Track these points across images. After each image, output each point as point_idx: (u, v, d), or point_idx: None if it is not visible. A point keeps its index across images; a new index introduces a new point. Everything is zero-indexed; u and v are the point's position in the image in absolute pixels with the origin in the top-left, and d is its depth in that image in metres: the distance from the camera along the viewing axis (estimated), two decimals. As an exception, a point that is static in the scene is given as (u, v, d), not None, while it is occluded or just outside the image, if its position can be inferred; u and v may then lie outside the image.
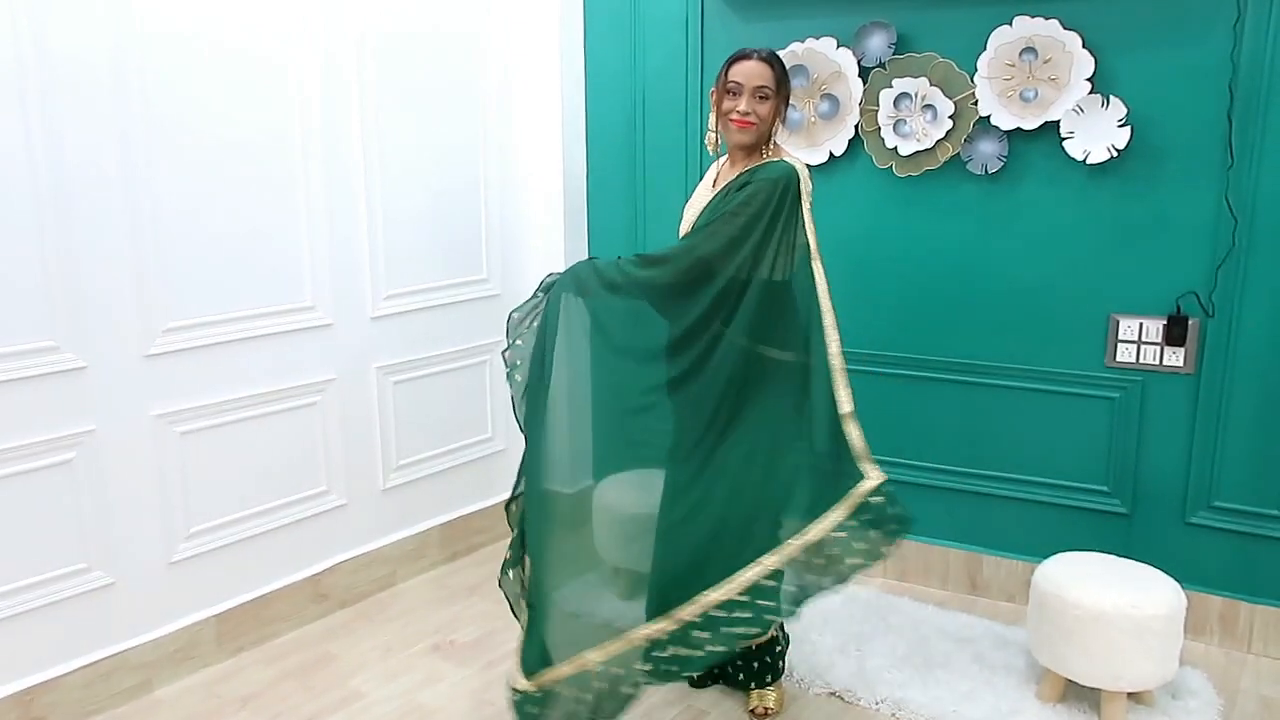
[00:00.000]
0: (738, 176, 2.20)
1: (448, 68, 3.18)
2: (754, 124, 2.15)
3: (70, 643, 2.42)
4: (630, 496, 3.04)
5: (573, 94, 3.45)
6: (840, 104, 3.03)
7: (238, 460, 2.72)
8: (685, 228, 2.31)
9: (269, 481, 2.81)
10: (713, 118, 2.24)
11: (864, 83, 2.98)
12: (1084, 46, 2.68)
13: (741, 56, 2.18)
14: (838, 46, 2.99)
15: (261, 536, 2.81)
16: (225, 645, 2.74)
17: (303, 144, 2.77)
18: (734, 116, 2.15)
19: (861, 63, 2.97)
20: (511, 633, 2.89)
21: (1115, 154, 2.67)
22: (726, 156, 2.30)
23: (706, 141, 2.30)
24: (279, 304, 2.76)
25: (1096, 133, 2.69)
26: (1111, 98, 2.66)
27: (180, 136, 2.48)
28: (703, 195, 2.32)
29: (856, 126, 3.03)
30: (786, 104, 2.23)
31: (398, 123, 3.02)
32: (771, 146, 2.24)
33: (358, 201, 2.94)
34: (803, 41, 3.03)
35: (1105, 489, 2.89)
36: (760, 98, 2.14)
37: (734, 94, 2.15)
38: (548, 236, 3.51)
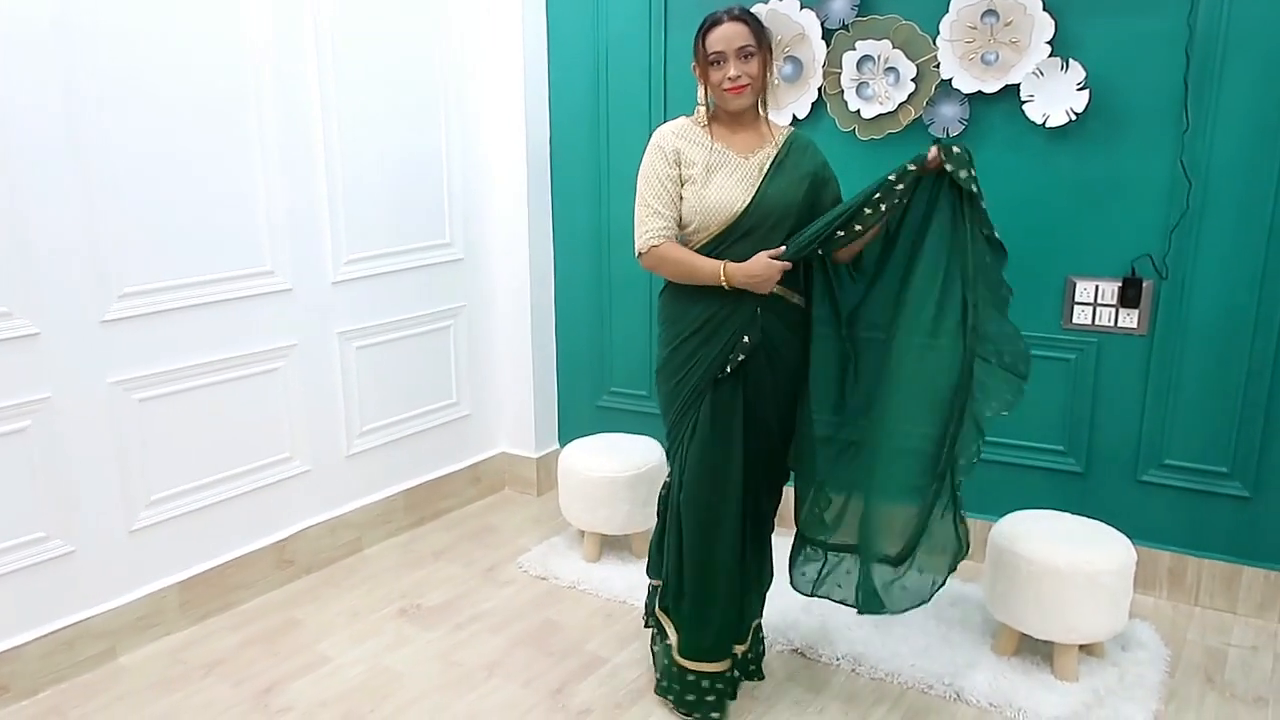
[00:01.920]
0: (789, 139, 2.21)
1: (408, 31, 3.13)
2: (748, 85, 2.12)
3: (31, 612, 2.40)
4: (598, 461, 3.07)
5: (535, 56, 3.41)
6: (803, 66, 3.02)
7: (198, 427, 2.70)
8: (729, 196, 2.14)
9: (231, 448, 2.79)
10: (701, 91, 2.19)
11: (827, 45, 2.98)
12: (1044, 9, 2.68)
13: (713, 23, 2.12)
14: (801, 8, 2.98)
15: (224, 503, 2.80)
16: (189, 612, 2.73)
17: (259, 108, 2.72)
18: (726, 85, 2.11)
19: (825, 24, 2.96)
20: (476, 597, 2.93)
21: (1074, 117, 2.70)
22: (710, 120, 2.21)
23: (696, 118, 2.22)
24: (238, 269, 2.73)
25: (1056, 96, 2.71)
26: (1071, 61, 2.68)
27: (133, 101, 2.42)
28: (736, 163, 2.17)
29: (820, 89, 3.02)
30: (772, 54, 2.20)
31: (358, 86, 2.98)
32: (770, 101, 2.24)
33: (317, 166, 2.89)
34: (766, 3, 3.01)
35: (1061, 448, 2.95)
36: (745, 57, 2.11)
37: (718, 63, 2.11)
38: (512, 201, 3.49)
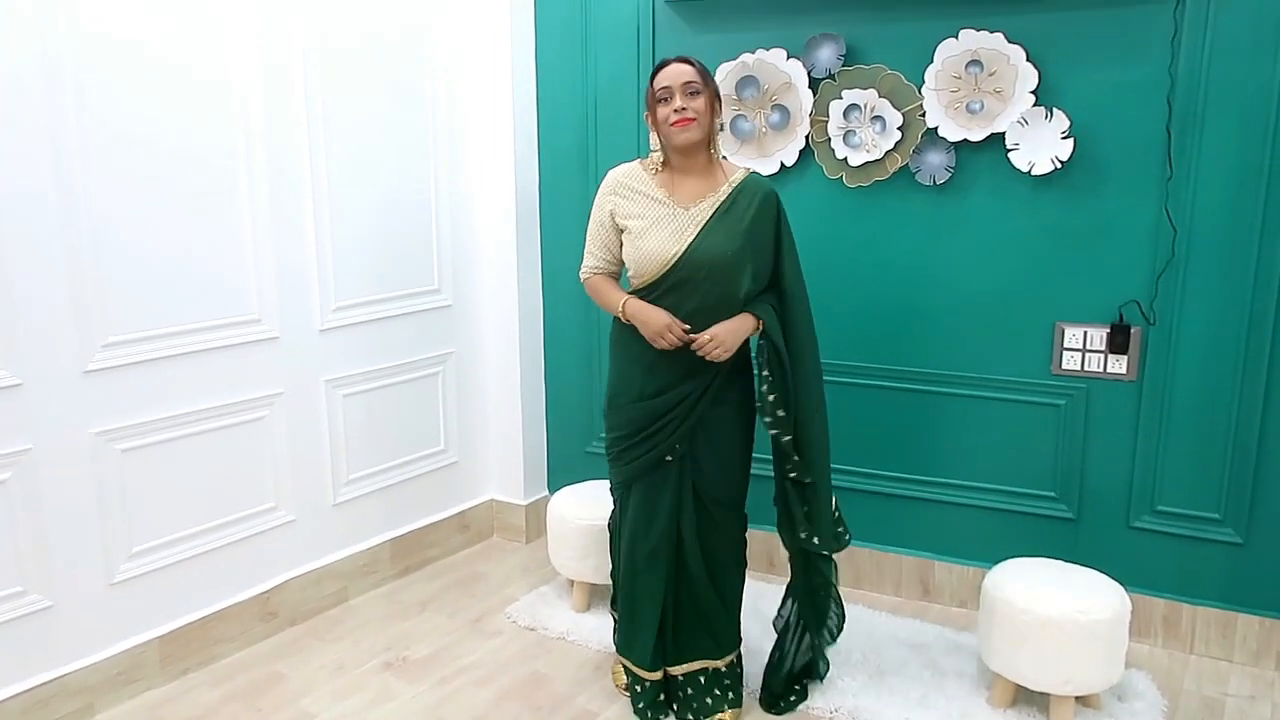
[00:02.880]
0: (738, 188, 2.28)
1: (395, 80, 3.14)
2: (694, 118, 2.22)
3: (7, 668, 2.34)
4: (588, 509, 3.03)
5: (524, 104, 3.43)
6: (791, 115, 3.05)
7: (182, 477, 2.66)
8: (660, 247, 2.24)
9: (215, 498, 2.75)
10: (653, 136, 2.31)
11: (814, 94, 3.01)
12: (1028, 60, 2.72)
13: (660, 66, 2.27)
14: (788, 58, 3.01)
15: (207, 555, 2.75)
16: (170, 667, 2.67)
17: (247, 155, 2.71)
18: (673, 119, 2.21)
19: (811, 73, 2.99)
20: (462, 649, 2.88)
21: (1059, 165, 2.72)
22: (662, 166, 2.32)
23: (648, 163, 2.34)
24: (224, 317, 2.71)
25: (1041, 144, 2.74)
26: (1055, 110, 2.71)
27: (118, 146, 2.42)
28: (664, 210, 2.27)
29: (807, 137, 3.05)
30: (719, 102, 2.29)
31: (345, 135, 2.98)
32: (719, 158, 2.30)
33: (304, 214, 2.89)
34: (753, 52, 3.05)
35: (1052, 494, 2.94)
36: (691, 93, 2.22)
37: (665, 100, 2.23)
38: (500, 247, 3.49)
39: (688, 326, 2.25)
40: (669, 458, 2.33)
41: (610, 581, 2.68)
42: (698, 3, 3.14)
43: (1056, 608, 2.35)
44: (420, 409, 3.38)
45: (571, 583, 3.14)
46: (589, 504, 3.04)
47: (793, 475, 2.38)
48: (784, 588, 2.62)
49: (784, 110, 3.06)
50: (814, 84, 3.01)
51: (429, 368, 3.38)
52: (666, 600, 2.41)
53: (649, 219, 2.28)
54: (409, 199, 3.24)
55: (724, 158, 2.38)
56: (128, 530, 2.55)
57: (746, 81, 3.07)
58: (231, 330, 2.73)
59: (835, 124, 2.98)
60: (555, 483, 3.67)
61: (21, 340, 2.28)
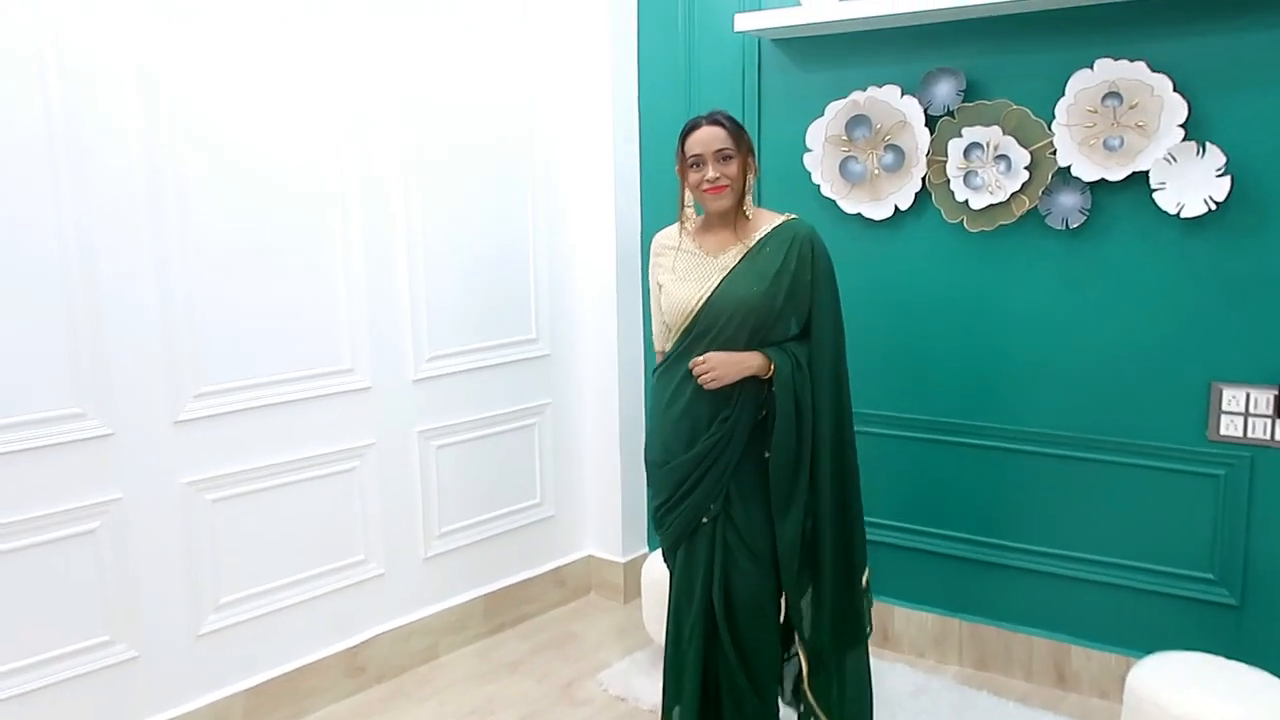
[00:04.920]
0: (770, 234, 2.20)
1: (494, 124, 3.10)
2: (727, 185, 2.16)
3: (92, 718, 2.33)
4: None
5: (626, 150, 3.34)
6: (905, 155, 2.84)
7: (271, 528, 2.63)
8: (685, 295, 2.20)
9: (304, 550, 2.72)
10: (681, 194, 2.27)
11: (931, 132, 2.79)
12: (1175, 90, 2.44)
13: (691, 128, 2.19)
14: (902, 95, 2.82)
15: (295, 607, 2.71)
16: (254, 722, 2.63)
17: (343, 205, 2.71)
18: (705, 187, 2.17)
19: (928, 111, 2.79)
20: (550, 717, 2.73)
21: (1214, 207, 2.42)
22: (702, 219, 2.30)
23: (683, 220, 2.30)
24: (315, 367, 2.69)
25: (1192, 183, 2.44)
26: (1208, 145, 2.41)
27: (214, 191, 2.44)
28: (694, 260, 2.25)
29: (924, 179, 2.83)
30: (754, 156, 2.23)
31: (438, 181, 2.95)
32: (751, 209, 2.23)
33: (399, 262, 2.86)
34: (864, 90, 2.86)
35: (1210, 576, 2.59)
36: (724, 159, 2.16)
37: (698, 166, 2.17)
38: (599, 295, 3.39)
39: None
40: (705, 519, 2.22)
41: None
42: (805, 40, 2.98)
43: (1218, 714, 2.02)
44: (516, 461, 3.29)
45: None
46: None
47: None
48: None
49: (898, 150, 2.85)
50: (931, 122, 2.80)
51: (525, 419, 3.30)
52: (708, 674, 2.26)
53: (679, 271, 2.25)
54: (506, 246, 3.18)
55: (754, 207, 2.28)
56: (216, 581, 2.53)
57: (857, 121, 2.89)
58: (323, 380, 2.71)
59: (955, 164, 2.76)
60: (655, 539, 3.50)
61: (114, 390, 2.30)
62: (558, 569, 3.46)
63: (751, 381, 2.16)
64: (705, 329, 2.17)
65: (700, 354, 2.16)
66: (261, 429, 2.59)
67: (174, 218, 2.37)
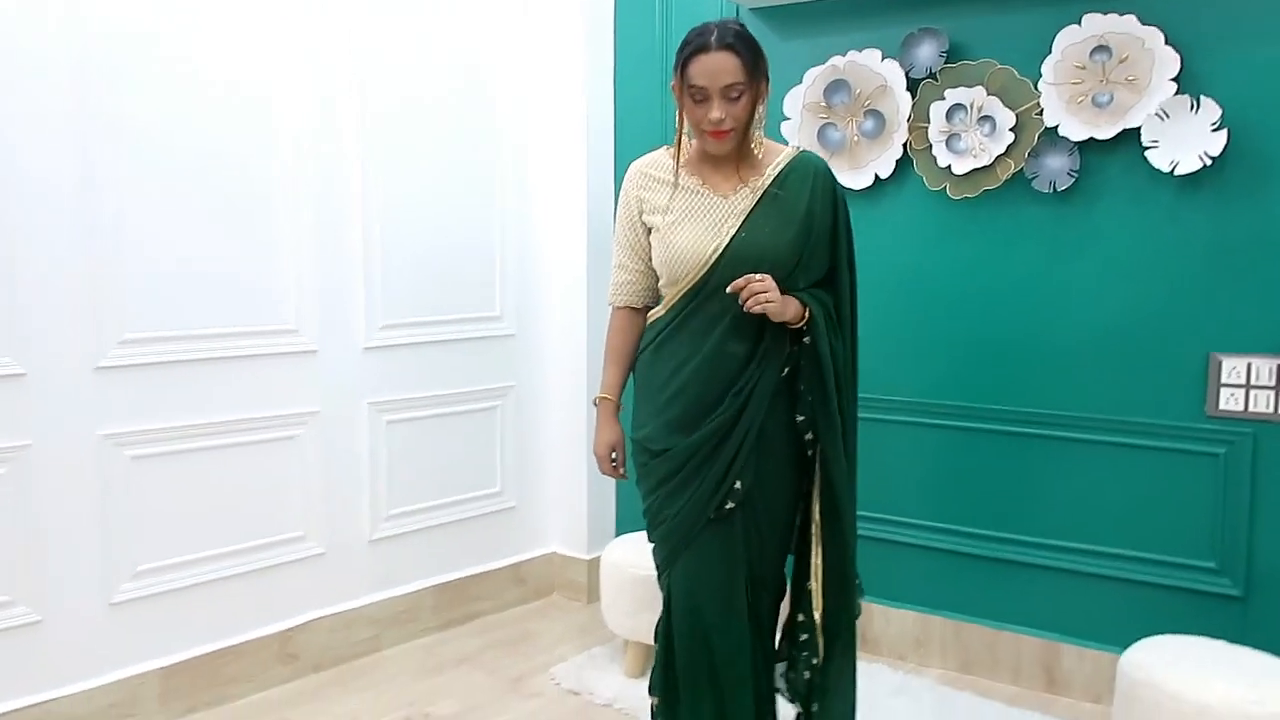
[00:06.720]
0: (787, 168, 1.85)
1: (458, 91, 2.98)
2: (731, 130, 1.78)
3: (-15, 686, 2.14)
4: (646, 557, 2.66)
5: (599, 122, 3.22)
6: (886, 121, 2.71)
7: (198, 494, 2.45)
8: (696, 244, 1.82)
9: (234, 521, 2.53)
10: (677, 119, 1.84)
11: (913, 96, 2.67)
12: (1167, 43, 2.32)
13: (698, 49, 1.74)
14: (883, 58, 2.70)
15: (222, 582, 2.51)
16: (171, 704, 2.42)
17: (290, 161, 2.58)
18: (707, 128, 1.78)
19: (910, 74, 2.67)
20: (493, 709, 2.52)
21: (1209, 162, 2.28)
22: (698, 145, 1.88)
23: (678, 150, 1.87)
24: (256, 324, 2.53)
25: (1185, 139, 2.31)
26: (1202, 99, 2.28)
27: (145, 146, 2.30)
28: (698, 199, 1.85)
29: (905, 145, 2.70)
30: (766, 82, 1.81)
31: (399, 144, 2.82)
32: (760, 147, 1.86)
33: (351, 223, 2.72)
34: (844, 55, 2.75)
35: (1211, 565, 2.39)
36: (732, 98, 1.75)
37: (700, 99, 1.76)
38: (571, 276, 3.24)
39: (623, 473, 2.03)
40: (729, 504, 1.81)
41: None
42: (783, 7, 2.88)
43: (1218, 695, 1.82)
44: (475, 445, 3.11)
45: (626, 643, 2.75)
46: (648, 553, 2.66)
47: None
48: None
49: (879, 116, 2.72)
50: (913, 86, 2.67)
51: (486, 400, 3.12)
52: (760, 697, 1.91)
53: (679, 211, 1.85)
54: (470, 217, 3.04)
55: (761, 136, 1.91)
56: (132, 547, 2.34)
57: (836, 86, 2.77)
58: (264, 339, 2.55)
59: (937, 128, 2.63)
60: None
61: (29, 327, 2.14)
62: (517, 565, 3.25)
63: (779, 332, 1.82)
64: (721, 284, 1.78)
65: (710, 313, 1.81)
66: (192, 385, 2.42)
67: (101, 120, 2.21)
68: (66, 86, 2.17)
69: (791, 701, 2.00)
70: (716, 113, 1.74)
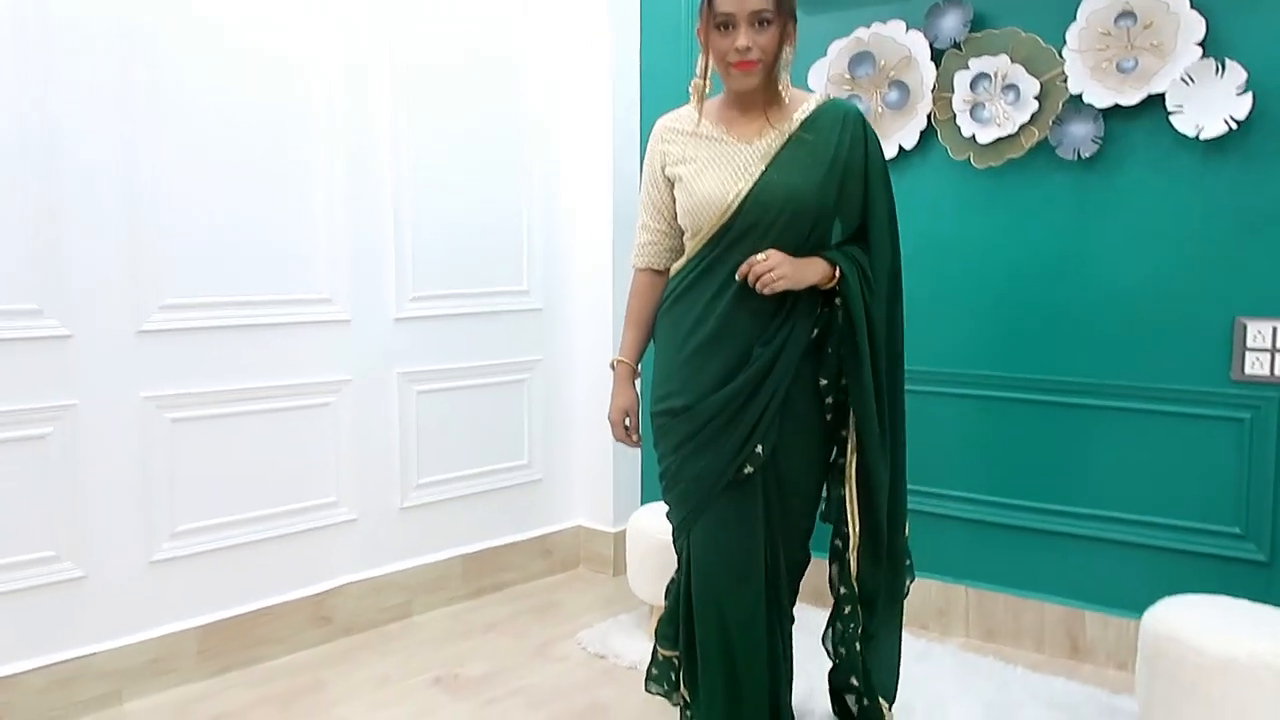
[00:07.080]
0: (815, 113, 1.80)
1: (488, 67, 3.03)
2: (758, 61, 1.73)
3: (31, 638, 2.21)
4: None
5: (626, 99, 3.25)
6: (910, 92, 2.73)
7: (236, 457, 2.51)
8: (718, 189, 1.78)
9: (270, 485, 2.59)
10: (701, 61, 1.81)
11: (937, 67, 2.69)
12: (1192, 7, 2.32)
13: None
14: (907, 29, 2.72)
15: (258, 544, 2.57)
16: (208, 662, 2.48)
17: (326, 131, 2.63)
18: (733, 59, 1.73)
19: (934, 45, 2.68)
20: (521, 671, 2.56)
21: (1234, 126, 2.28)
22: (721, 97, 1.88)
23: (693, 90, 1.84)
24: (291, 292, 2.59)
25: (1211, 104, 2.31)
26: (1228, 62, 2.28)
27: (192, 102, 2.37)
28: (721, 147, 1.82)
29: (929, 116, 2.71)
30: (793, 22, 1.77)
31: (430, 117, 2.87)
32: (787, 89, 1.81)
33: (383, 196, 2.77)
34: (868, 27, 2.77)
35: (1237, 530, 2.39)
36: (760, 23, 1.71)
37: (725, 29, 1.72)
38: (597, 251, 3.27)
39: (637, 439, 2.02)
40: (748, 468, 1.79)
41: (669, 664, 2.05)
42: (809, -19, 2.90)
43: (1243, 649, 1.82)
44: (503, 417, 3.16)
45: (651, 610, 2.79)
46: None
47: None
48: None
49: (903, 87, 2.74)
50: (937, 56, 2.69)
51: (514, 373, 3.17)
52: (775, 673, 1.89)
53: (702, 160, 1.82)
54: (498, 191, 3.08)
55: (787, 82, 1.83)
56: (172, 507, 2.41)
57: (861, 59, 2.79)
58: (299, 308, 2.61)
59: (961, 98, 2.64)
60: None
61: (75, 291, 2.21)
62: (544, 537, 3.30)
63: (806, 292, 1.79)
64: (744, 231, 1.77)
65: (737, 263, 1.76)
66: (229, 350, 2.48)
67: (142, 91, 2.28)
68: (110, 59, 2.24)
69: (834, 660, 2.03)
70: (744, 39, 1.71)
